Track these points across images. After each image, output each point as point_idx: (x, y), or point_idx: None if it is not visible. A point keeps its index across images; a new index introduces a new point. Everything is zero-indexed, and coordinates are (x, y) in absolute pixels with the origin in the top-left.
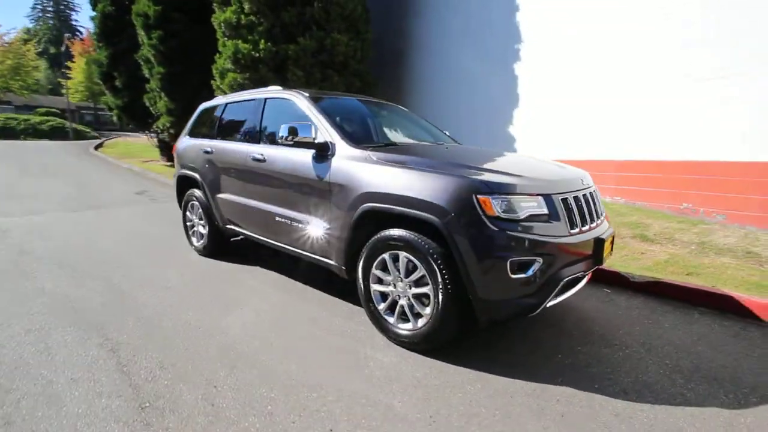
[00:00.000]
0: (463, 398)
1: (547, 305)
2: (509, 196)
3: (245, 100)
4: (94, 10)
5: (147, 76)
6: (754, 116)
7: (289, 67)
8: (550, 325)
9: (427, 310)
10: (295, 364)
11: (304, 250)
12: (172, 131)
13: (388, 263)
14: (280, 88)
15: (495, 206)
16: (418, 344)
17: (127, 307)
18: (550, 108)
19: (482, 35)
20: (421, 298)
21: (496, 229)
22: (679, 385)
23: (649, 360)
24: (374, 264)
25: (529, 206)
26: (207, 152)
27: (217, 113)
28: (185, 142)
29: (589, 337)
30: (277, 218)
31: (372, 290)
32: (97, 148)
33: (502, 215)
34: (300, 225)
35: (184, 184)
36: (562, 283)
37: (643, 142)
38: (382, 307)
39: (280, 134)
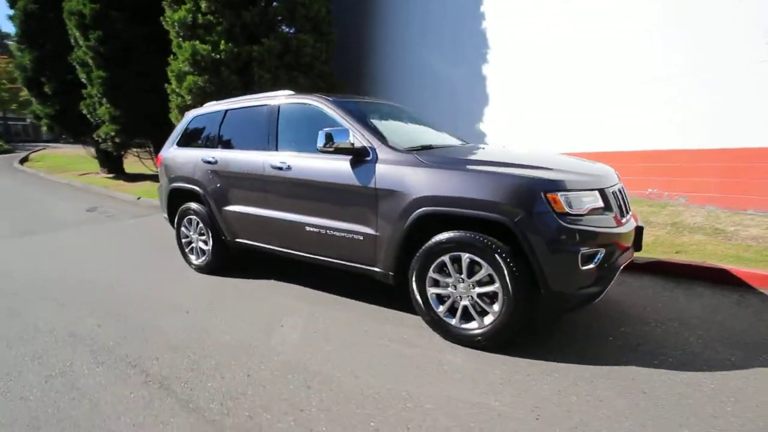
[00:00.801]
0: (552, 389)
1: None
2: (573, 192)
3: (253, 107)
4: (12, 7)
5: (84, 80)
6: (694, 111)
7: (254, 69)
8: (585, 310)
9: (495, 308)
10: (369, 375)
11: (342, 260)
12: (117, 140)
13: (447, 265)
14: (290, 92)
15: (563, 202)
16: (486, 342)
17: (153, 337)
18: (519, 106)
19: (447, 38)
20: (484, 297)
21: (565, 224)
22: (721, 353)
23: (685, 333)
24: (431, 267)
25: (589, 201)
26: (209, 162)
27: (216, 121)
28: (174, 153)
29: (626, 318)
30: (309, 228)
31: (429, 294)
32: (22, 162)
33: (570, 210)
34: (338, 234)
35: (176, 198)
36: (618, 270)
37: (607, 135)
38: (441, 309)
39: (320, 142)
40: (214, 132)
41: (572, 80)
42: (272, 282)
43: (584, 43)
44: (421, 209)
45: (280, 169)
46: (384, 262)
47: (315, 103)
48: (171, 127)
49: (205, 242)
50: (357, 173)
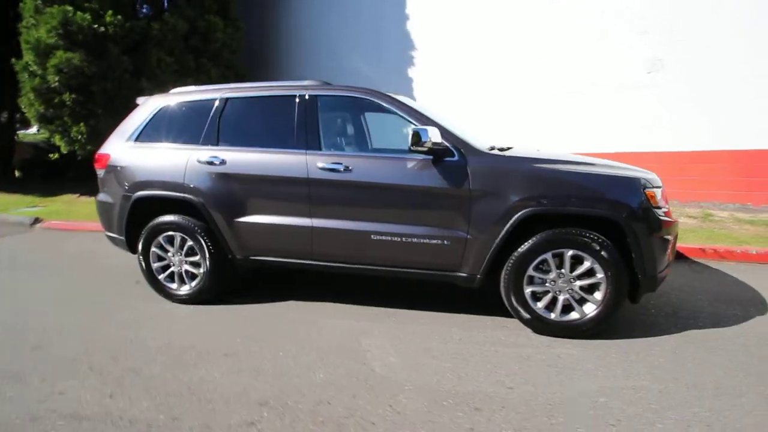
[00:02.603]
0: (676, 361)
1: None
2: (657, 189)
3: (272, 96)
4: None
5: None
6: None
7: (152, 50)
8: None
9: (597, 296)
10: (519, 384)
11: (416, 267)
12: None
13: (549, 262)
14: (316, 82)
15: (657, 197)
16: (590, 329)
17: (221, 398)
18: (450, 108)
19: (368, 35)
20: (584, 289)
21: (660, 216)
22: (738, 311)
23: (706, 302)
24: (531, 266)
25: (660, 196)
26: (211, 164)
27: (207, 111)
28: (135, 151)
29: (668, 293)
30: (376, 237)
31: (526, 292)
32: None
33: (660, 204)
34: (416, 240)
35: (143, 212)
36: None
37: (536, 139)
38: (540, 306)
39: (414, 141)
40: (209, 125)
41: (505, 82)
42: (294, 303)
43: (517, 46)
44: (527, 209)
45: (334, 170)
46: (473, 265)
47: (370, 97)
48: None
49: (198, 264)
50: (444, 175)
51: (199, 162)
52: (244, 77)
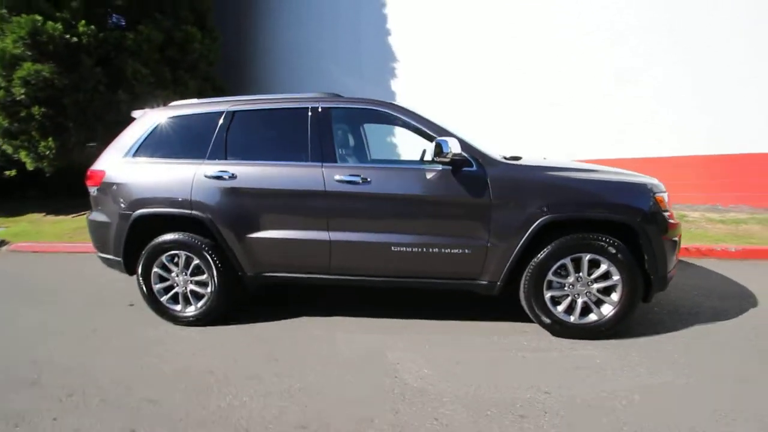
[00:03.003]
0: (691, 355)
1: None
2: (664, 194)
3: (282, 109)
4: None
5: None
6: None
7: (127, 62)
8: None
9: (615, 298)
10: (538, 391)
11: (436, 277)
12: None
13: (568, 266)
14: (325, 94)
15: (665, 201)
16: (608, 329)
17: None
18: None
19: (352, 50)
20: (600, 291)
21: (668, 219)
22: (733, 304)
23: (701, 297)
24: (551, 270)
25: (666, 200)
26: (219, 178)
27: (213, 125)
28: (133, 167)
29: (666, 291)
30: (396, 248)
31: (546, 297)
32: None
33: (666, 208)
34: (436, 250)
35: (144, 231)
36: None
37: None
38: (559, 309)
39: (436, 152)
40: (215, 139)
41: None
42: (306, 319)
43: (498, 59)
44: (547, 216)
45: (353, 183)
46: (493, 273)
47: (385, 109)
48: None
49: (204, 284)
50: (464, 184)
51: (207, 177)
52: (222, 90)
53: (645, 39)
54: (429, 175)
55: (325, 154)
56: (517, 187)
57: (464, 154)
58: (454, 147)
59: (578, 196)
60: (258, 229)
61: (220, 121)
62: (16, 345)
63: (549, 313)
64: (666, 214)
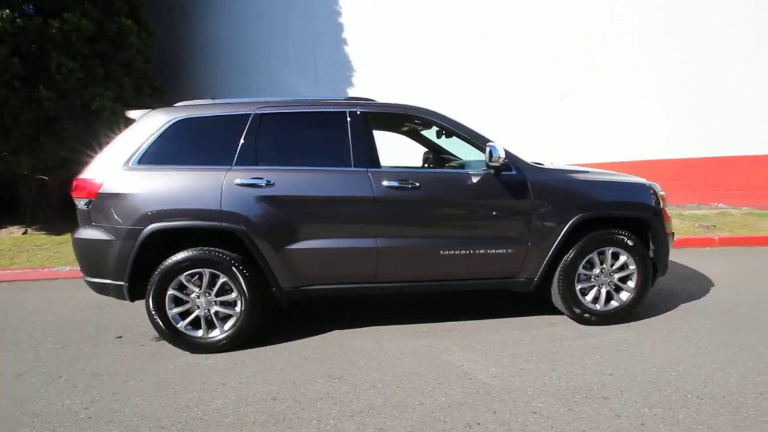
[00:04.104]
0: (696, 330)
1: None
2: (663, 193)
3: (316, 113)
4: None
5: None
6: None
7: (52, 54)
8: None
9: (631, 285)
10: (602, 374)
11: (479, 278)
12: None
13: (594, 259)
14: (359, 98)
15: (665, 199)
16: (625, 315)
17: None
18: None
19: (307, 57)
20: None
21: (667, 213)
22: (706, 285)
23: (676, 281)
24: (581, 264)
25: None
26: (254, 186)
27: (238, 128)
28: (141, 176)
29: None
30: (444, 252)
31: (576, 289)
32: None
33: (666, 205)
34: (482, 251)
35: (155, 250)
36: None
37: None
38: (588, 298)
39: (488, 157)
40: (244, 143)
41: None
42: (339, 332)
43: (455, 69)
44: (579, 215)
45: (403, 188)
46: (531, 270)
47: (423, 115)
48: None
49: (231, 304)
50: (508, 188)
51: (239, 185)
52: (162, 90)
53: (589, 55)
54: (474, 180)
55: (370, 159)
56: (552, 189)
57: (504, 159)
58: (501, 152)
59: (602, 196)
60: (299, 240)
61: (248, 125)
62: (9, 399)
63: (579, 304)
64: (664, 210)
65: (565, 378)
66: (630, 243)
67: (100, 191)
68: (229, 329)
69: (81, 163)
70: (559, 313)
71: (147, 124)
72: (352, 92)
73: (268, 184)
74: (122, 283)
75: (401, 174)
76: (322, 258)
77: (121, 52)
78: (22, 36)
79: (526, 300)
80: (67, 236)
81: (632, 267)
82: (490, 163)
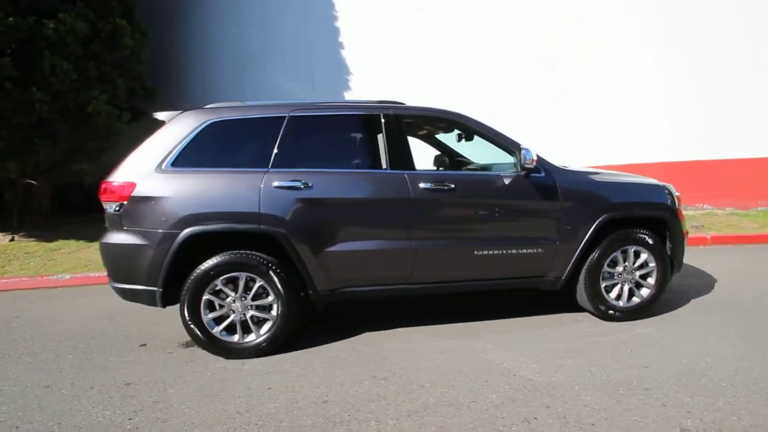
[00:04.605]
0: (712, 323)
1: None
2: (678, 194)
3: (349, 115)
4: None
5: None
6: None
7: (45, 54)
8: None
9: (651, 281)
10: (639, 367)
11: (510, 277)
12: None
13: (618, 258)
14: (388, 101)
15: (680, 199)
16: (645, 311)
17: None
18: None
19: (303, 61)
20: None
21: (682, 213)
22: (709, 282)
23: (680, 278)
24: (606, 262)
25: None
26: (293, 188)
27: (271, 130)
28: (176, 178)
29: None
30: (479, 252)
31: (602, 286)
32: None
33: (680, 205)
34: (514, 251)
35: (192, 253)
36: None
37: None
38: (612, 295)
39: (527, 159)
40: (280, 146)
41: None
42: (368, 335)
43: (450, 73)
44: (605, 215)
45: (440, 190)
46: (559, 269)
47: (456, 119)
48: None
49: (267, 307)
50: (538, 190)
51: (278, 187)
52: (154, 92)
53: (578, 61)
54: (506, 181)
55: (405, 162)
56: (579, 190)
57: (535, 161)
58: (534, 155)
59: (625, 197)
60: (336, 242)
61: (283, 127)
62: (42, 413)
63: (605, 301)
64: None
65: (605, 372)
66: (650, 242)
67: (132, 194)
68: (266, 333)
69: (74, 167)
70: (577, 310)
71: (179, 127)
72: (349, 96)
73: (306, 186)
74: (155, 288)
75: (437, 176)
76: (359, 260)
77: (115, 53)
78: (13, 35)
79: (539, 298)
80: (59, 243)
81: (652, 264)
82: (525, 165)
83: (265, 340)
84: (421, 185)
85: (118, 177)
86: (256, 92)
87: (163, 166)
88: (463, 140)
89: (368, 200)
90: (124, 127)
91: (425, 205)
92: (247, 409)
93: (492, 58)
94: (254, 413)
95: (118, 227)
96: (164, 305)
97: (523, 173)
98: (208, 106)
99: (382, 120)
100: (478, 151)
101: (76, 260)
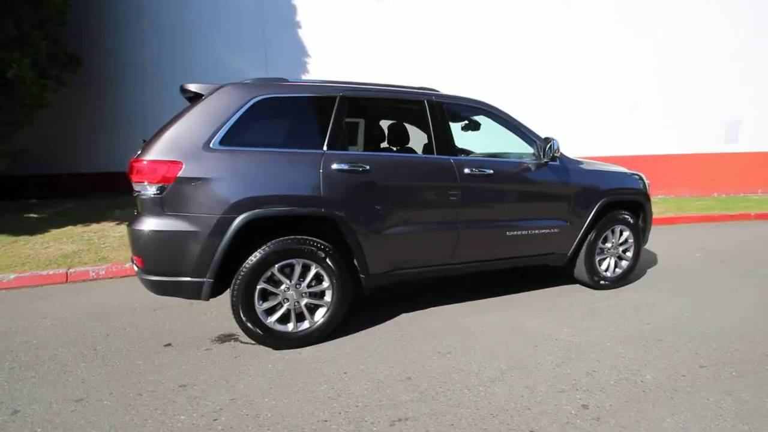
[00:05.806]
0: (692, 282)
1: None
2: (647, 180)
3: (395, 99)
4: None
5: None
6: None
7: None
8: None
9: (629, 255)
10: (643, 323)
11: (531, 255)
12: None
13: (608, 236)
14: (425, 87)
15: (649, 186)
16: (624, 280)
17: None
18: None
19: (256, 42)
20: (623, 250)
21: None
22: (645, 254)
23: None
24: (601, 238)
25: None
26: (354, 171)
27: (332, 111)
28: (228, 157)
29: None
30: (509, 233)
31: (596, 260)
32: None
33: None
34: (538, 231)
35: (249, 238)
36: None
37: None
38: (602, 268)
39: (554, 149)
40: (333, 126)
41: None
42: (406, 315)
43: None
44: (604, 199)
45: (480, 176)
46: (567, 247)
47: (487, 108)
48: None
49: (320, 294)
50: (558, 175)
51: (338, 170)
52: (77, 58)
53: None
54: (532, 168)
55: (450, 147)
56: (585, 177)
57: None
58: (559, 145)
59: (616, 183)
60: (392, 225)
61: (335, 107)
62: (97, 428)
63: (598, 273)
64: None
65: (621, 329)
66: (631, 221)
67: (179, 175)
68: (320, 319)
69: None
70: (569, 282)
71: (225, 101)
72: (307, 78)
73: (365, 170)
74: (204, 280)
75: (479, 162)
76: (412, 242)
77: (39, 11)
78: None
79: (529, 273)
80: None
81: (631, 240)
82: (554, 155)
83: (320, 326)
84: (466, 170)
85: (158, 154)
86: (204, 70)
87: (211, 144)
88: (469, 131)
89: (421, 185)
90: (50, 99)
91: (469, 189)
92: (338, 393)
93: (457, 44)
94: (346, 396)
95: (158, 212)
96: (209, 298)
97: (544, 161)
98: (250, 81)
99: (427, 106)
100: (473, 140)
101: (8, 257)
